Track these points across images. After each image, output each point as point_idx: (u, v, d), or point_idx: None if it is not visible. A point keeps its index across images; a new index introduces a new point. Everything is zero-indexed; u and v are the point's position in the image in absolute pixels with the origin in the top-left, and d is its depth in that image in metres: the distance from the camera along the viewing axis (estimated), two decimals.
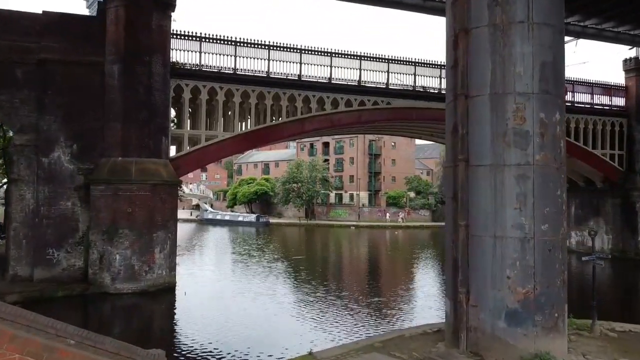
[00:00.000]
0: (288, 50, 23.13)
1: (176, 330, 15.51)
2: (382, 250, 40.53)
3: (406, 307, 17.83)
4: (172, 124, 23.21)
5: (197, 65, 21.64)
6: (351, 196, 71.57)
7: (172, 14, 20.39)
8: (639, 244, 30.13)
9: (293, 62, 23.25)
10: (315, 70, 23.66)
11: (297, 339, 13.76)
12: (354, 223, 61.89)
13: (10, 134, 22.30)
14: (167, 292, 19.24)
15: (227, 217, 65.44)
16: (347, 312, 16.71)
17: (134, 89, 19.38)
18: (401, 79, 25.10)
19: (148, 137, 19.59)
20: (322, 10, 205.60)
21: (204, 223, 64.41)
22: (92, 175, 19.22)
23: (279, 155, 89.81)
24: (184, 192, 44.99)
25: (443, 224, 53.77)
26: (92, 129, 19.57)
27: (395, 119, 25.49)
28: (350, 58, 24.26)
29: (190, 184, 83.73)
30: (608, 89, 31.21)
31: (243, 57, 22.37)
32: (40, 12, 19.55)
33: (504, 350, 9.96)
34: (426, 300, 18.88)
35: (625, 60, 31.43)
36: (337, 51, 24.00)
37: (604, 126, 30.71)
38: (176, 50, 21.24)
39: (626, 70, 31.46)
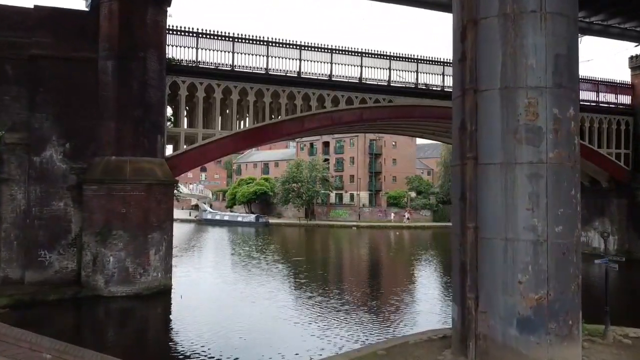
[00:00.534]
0: (287, 46, 22.56)
1: (171, 335, 14.94)
2: (384, 251, 39.94)
3: (409, 311, 17.23)
4: (169, 123, 22.66)
5: (193, 61, 21.06)
6: (351, 196, 71.01)
7: (168, 9, 19.80)
8: None
9: (292, 59, 22.68)
10: (315, 67, 23.12)
11: (297, 345, 13.20)
12: (355, 223, 61.28)
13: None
14: (162, 295, 18.66)
15: (226, 218, 64.88)
16: (348, 317, 16.12)
17: (128, 86, 18.81)
18: (403, 76, 24.52)
19: (143, 136, 19.01)
20: (321, 9, 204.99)
21: (203, 223, 63.87)
22: (85, 174, 18.65)
23: (279, 155, 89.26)
24: (181, 192, 44.40)
25: (444, 224, 53.79)
26: (86, 127, 18.99)
27: (397, 117, 24.91)
28: (352, 55, 23.69)
29: (191, 184, 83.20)
30: (614, 87, 30.62)
31: (241, 54, 21.80)
32: (32, 6, 18.96)
33: None
34: (430, 304, 18.30)
35: (631, 58, 30.84)
36: (337, 48, 23.41)
37: (609, 124, 30.13)
38: (172, 46, 20.66)
39: (632, 68, 30.87)
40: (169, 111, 23.54)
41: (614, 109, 30.47)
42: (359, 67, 23.78)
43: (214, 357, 12.21)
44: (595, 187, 31.77)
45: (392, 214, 63.07)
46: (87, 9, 20.37)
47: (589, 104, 29.70)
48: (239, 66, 21.77)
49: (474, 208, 10.11)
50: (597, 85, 30.21)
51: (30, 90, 18.61)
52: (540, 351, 9.36)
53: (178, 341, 14.10)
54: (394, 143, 72.09)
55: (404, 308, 17.80)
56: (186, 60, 20.95)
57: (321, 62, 23.16)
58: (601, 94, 30.32)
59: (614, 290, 21.36)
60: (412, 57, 24.78)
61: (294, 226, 62.14)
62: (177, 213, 78.02)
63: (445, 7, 24.16)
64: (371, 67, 24.00)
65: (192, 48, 21.02)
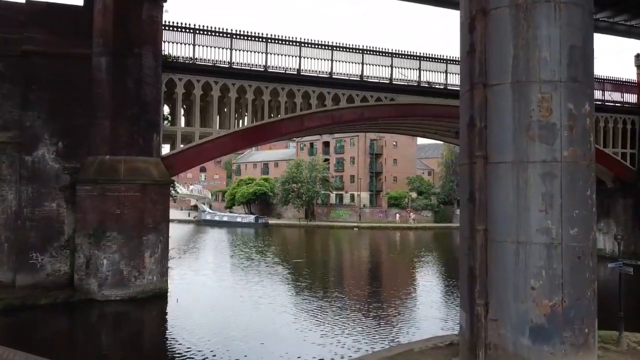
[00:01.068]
0: (287, 43, 22.01)
1: (167, 341, 14.39)
2: (386, 253, 39.33)
3: (413, 316, 16.65)
4: (165, 122, 22.12)
5: (190, 58, 20.52)
6: (352, 196, 70.44)
7: (164, 4, 19.27)
8: None
9: (292, 56, 22.13)
10: (315, 65, 22.57)
11: (297, 352, 12.66)
12: (356, 224, 60.71)
13: None
14: (158, 299, 18.13)
15: (225, 218, 64.34)
16: (350, 322, 15.57)
17: (123, 83, 18.28)
18: (405, 74, 23.97)
19: (138, 134, 18.48)
20: (320, 6, 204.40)
21: (202, 224, 63.35)
22: (78, 174, 18.12)
23: (279, 155, 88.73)
24: (178, 193, 43.76)
25: (445, 225, 53.35)
26: (79, 126, 18.48)
27: (399, 115, 24.36)
28: (353, 52, 23.13)
29: (190, 184, 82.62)
30: (619, 85, 30.07)
31: (239, 51, 21.25)
32: (24, 1, 18.42)
33: None
34: (434, 309, 17.70)
35: (637, 56, 30.29)
36: (338, 45, 22.88)
37: (615, 123, 29.59)
38: (168, 42, 20.14)
39: (638, 66, 30.32)
40: (166, 110, 23.01)
41: (620, 108, 29.92)
42: (360, 65, 23.23)
43: None
44: (600, 187, 30.99)
45: (397, 215, 62.48)
46: (81, 4, 19.82)
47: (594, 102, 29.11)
48: (237, 63, 21.22)
49: (483, 209, 9.54)
50: (603, 83, 29.66)
51: (22, 87, 18.10)
52: None
53: (174, 347, 13.55)
54: (394, 143, 71.53)
55: (408, 313, 17.25)
56: (183, 57, 20.41)
57: (321, 60, 22.63)
58: (606, 93, 29.78)
59: (625, 295, 20.81)
60: (415, 54, 24.24)
61: (294, 227, 61.57)
62: (176, 214, 77.77)
63: (446, 3, 23.63)
64: (373, 65, 23.45)
65: (189, 45, 20.48)
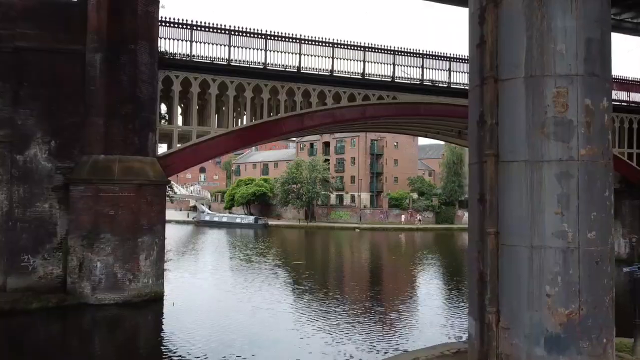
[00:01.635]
0: (286, 40, 21.46)
1: (163, 347, 13.83)
2: (389, 255, 38.70)
3: (417, 322, 16.06)
4: (163, 121, 21.60)
5: (187, 55, 19.97)
6: (352, 197, 69.92)
7: None
8: None
9: (292, 53, 21.58)
10: (315, 62, 22.01)
11: None
12: (358, 225, 60.16)
13: None
14: (153, 302, 17.59)
15: (224, 219, 63.84)
16: (352, 328, 15.00)
17: (117, 80, 17.75)
18: (408, 71, 23.43)
19: (133, 133, 17.94)
20: (321, 5, 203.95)
21: (201, 225, 62.82)
22: (71, 174, 17.57)
23: (278, 155, 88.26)
24: (175, 193, 43.25)
25: (447, 226, 52.83)
26: (73, 124, 17.95)
27: (401, 114, 23.83)
28: (354, 49, 22.58)
29: (191, 184, 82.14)
30: (626, 84, 29.53)
31: (238, 47, 20.70)
32: None
33: None
34: (440, 315, 17.07)
35: None
36: (339, 42, 22.32)
37: (621, 123, 29.05)
38: (165, 39, 19.60)
39: None
40: (163, 108, 22.49)
41: (626, 107, 29.37)
42: (362, 62, 22.68)
43: None
44: None
45: (403, 216, 61.94)
46: None
47: None
48: (236, 60, 20.68)
49: (494, 211, 8.97)
50: (609, 82, 29.04)
51: (14, 84, 17.53)
52: None
53: (170, 353, 13.01)
54: (395, 143, 71.05)
55: (412, 318, 16.64)
56: (180, 54, 19.87)
57: (322, 57, 22.08)
58: (613, 92, 29.20)
59: (628, 297, 20.31)
60: (417, 52, 23.70)
61: (294, 228, 61.05)
62: (175, 214, 77.37)
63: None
64: (374, 62, 22.90)
65: (186, 41, 19.93)
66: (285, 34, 21.37)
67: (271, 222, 64.03)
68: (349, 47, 22.45)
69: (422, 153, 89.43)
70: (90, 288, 16.94)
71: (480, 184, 9.64)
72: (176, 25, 19.76)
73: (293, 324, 15.73)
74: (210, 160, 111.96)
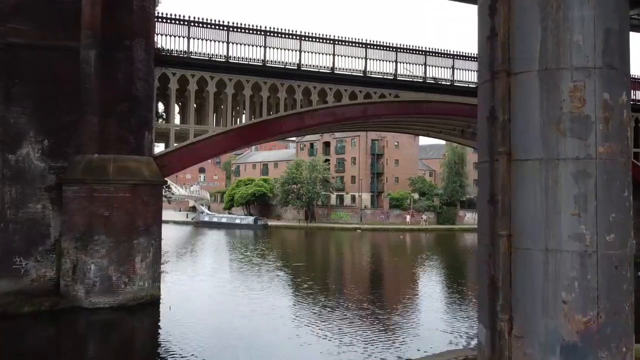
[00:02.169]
0: (286, 36, 20.96)
1: (158, 352, 13.36)
2: (392, 257, 38.07)
3: (423, 328, 15.49)
4: (161, 120, 21.10)
5: (185, 52, 19.47)
6: (353, 197, 69.41)
7: None
8: None
9: (292, 50, 21.07)
10: (316, 60, 21.50)
11: None
12: (359, 226, 59.66)
13: None
14: (149, 306, 17.11)
15: (223, 220, 63.32)
16: (354, 334, 14.48)
17: (112, 78, 17.26)
18: (410, 69, 22.92)
19: (129, 132, 17.45)
20: (321, 4, 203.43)
21: (200, 225, 62.32)
22: (64, 174, 17.06)
23: (278, 155, 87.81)
24: (173, 194, 42.71)
25: (449, 226, 52.25)
26: (67, 123, 17.46)
27: (404, 113, 23.33)
28: (355, 46, 22.08)
29: (190, 185, 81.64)
30: (634, 82, 29.03)
31: (236, 44, 20.19)
32: None
33: None
34: (445, 320, 16.50)
35: None
36: (340, 38, 21.81)
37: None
38: (161, 35, 19.11)
39: None
40: (161, 107, 22.00)
41: (633, 106, 28.89)
42: (363, 60, 22.18)
43: None
44: None
45: (408, 216, 61.45)
46: None
47: None
48: (234, 57, 20.17)
49: (507, 213, 8.46)
50: None
51: (6, 81, 17.04)
52: None
53: (165, 359, 12.50)
54: (396, 143, 70.58)
55: (416, 323, 16.06)
56: (177, 51, 19.37)
57: (323, 54, 21.56)
58: None
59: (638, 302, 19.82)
60: (420, 49, 23.19)
61: (294, 228, 60.54)
62: (174, 215, 76.83)
63: None
64: (376, 60, 22.39)
65: (183, 37, 19.44)
66: (285, 30, 20.86)
67: (271, 222, 63.52)
68: (350, 44, 21.95)
69: (423, 153, 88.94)
70: (84, 291, 16.45)
71: (491, 183, 9.13)
72: (173, 21, 19.27)
73: (293, 329, 15.23)
74: (209, 161, 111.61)
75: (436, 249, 41.51)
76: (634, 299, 8.35)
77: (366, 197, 68.58)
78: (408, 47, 22.94)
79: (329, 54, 21.58)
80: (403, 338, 14.18)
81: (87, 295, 16.41)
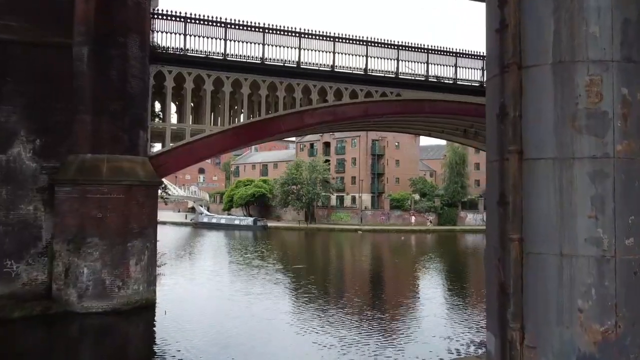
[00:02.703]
0: (285, 34, 20.45)
1: (153, 359, 12.84)
2: (395, 259, 37.45)
3: (427, 334, 14.91)
4: (157, 119, 20.61)
5: (181, 49, 18.98)
6: (353, 198, 68.91)
7: None
8: None
9: (291, 48, 20.56)
10: (316, 57, 20.99)
11: None
12: (360, 227, 59.15)
13: None
14: (144, 310, 16.61)
15: (222, 221, 62.88)
16: (357, 341, 13.94)
17: (106, 75, 16.78)
18: (412, 67, 22.41)
19: (123, 131, 16.96)
20: (320, 3, 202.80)
21: (199, 227, 61.88)
22: (56, 174, 16.56)
23: (278, 156, 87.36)
24: (169, 194, 42.20)
25: (450, 227, 51.56)
26: (59, 122, 16.96)
27: (405, 112, 22.82)
28: (356, 44, 21.57)
29: (190, 185, 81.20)
30: None
31: (234, 41, 19.68)
32: None
33: None
34: (450, 326, 15.89)
35: None
36: (340, 36, 21.32)
37: None
38: (157, 32, 18.62)
39: None
40: (158, 106, 21.52)
41: None
42: (364, 58, 21.68)
43: None
44: None
45: (413, 217, 61.00)
46: None
47: None
48: (232, 55, 19.67)
49: (518, 215, 7.93)
50: None
51: None
52: None
53: None
54: (396, 143, 70.11)
55: (421, 330, 15.37)
56: (173, 48, 18.88)
57: (323, 52, 21.05)
58: None
59: None
60: (422, 46, 22.69)
61: (294, 230, 60.06)
62: (173, 216, 76.37)
63: None
64: (378, 58, 21.89)
65: (180, 34, 18.94)
66: (284, 27, 20.38)
67: (270, 223, 63.03)
68: (351, 41, 21.45)
69: (424, 154, 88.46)
70: (76, 295, 15.95)
71: (501, 184, 8.62)
72: (169, 18, 18.78)
73: (293, 335, 14.75)
74: (209, 161, 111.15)
75: (439, 251, 40.99)
76: None
77: (366, 197, 68.09)
78: (410, 44, 22.45)
79: (329, 52, 21.08)
80: (406, 345, 13.66)
81: (80, 299, 15.91)
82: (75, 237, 16.03)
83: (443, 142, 65.81)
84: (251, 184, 73.18)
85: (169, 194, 41.54)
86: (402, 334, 14.88)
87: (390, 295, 22.30)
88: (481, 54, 23.42)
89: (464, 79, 23.21)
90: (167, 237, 47.35)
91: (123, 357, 13.56)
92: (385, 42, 22.01)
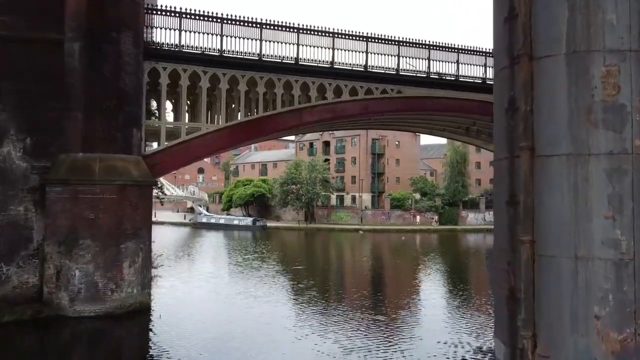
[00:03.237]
0: (283, 29, 19.95)
1: None
2: (395, 260, 36.82)
3: (431, 340, 14.27)
4: (153, 117, 20.12)
5: (176, 45, 18.47)
6: (353, 198, 68.46)
7: None
8: None
9: (289, 44, 20.04)
10: (315, 54, 20.45)
11: None
12: (361, 227, 58.69)
13: None
14: (138, 314, 16.11)
15: (221, 221, 62.49)
16: (359, 348, 13.40)
17: (98, 72, 16.28)
18: (413, 64, 21.91)
19: (116, 129, 16.46)
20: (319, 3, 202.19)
21: (198, 227, 61.48)
22: (47, 174, 16.06)
23: (278, 155, 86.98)
24: (165, 194, 41.69)
25: (451, 227, 50.65)
26: (51, 120, 16.45)
27: (407, 109, 22.32)
28: (356, 39, 21.06)
29: (190, 185, 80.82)
30: None
31: (231, 37, 19.16)
32: None
33: None
34: (456, 332, 15.22)
35: None
36: (340, 32, 20.81)
37: None
38: (151, 27, 18.13)
39: None
40: (154, 105, 21.02)
41: None
42: (364, 54, 21.17)
43: None
44: None
45: (418, 217, 60.59)
46: None
47: None
48: (229, 51, 19.15)
49: (529, 215, 7.48)
50: None
51: None
52: None
53: None
54: (397, 142, 69.67)
55: (426, 337, 14.66)
56: (167, 44, 18.37)
57: (322, 48, 20.52)
58: None
59: None
60: (424, 42, 22.19)
61: (293, 230, 59.61)
62: (171, 216, 75.99)
63: None
64: (378, 54, 21.37)
65: (175, 30, 18.42)
66: (282, 22, 19.86)
67: (270, 223, 62.58)
68: (350, 37, 20.94)
69: (424, 153, 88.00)
70: (68, 299, 15.45)
71: (511, 182, 8.16)
72: (164, 13, 18.28)
73: (292, 340, 14.24)
74: (208, 161, 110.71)
75: (441, 252, 40.47)
76: None
77: (367, 197, 67.62)
78: (411, 40, 21.95)
79: (328, 48, 20.57)
80: (409, 353, 13.13)
81: (72, 303, 15.41)
82: (66, 239, 15.54)
83: (444, 141, 65.41)
84: (250, 183, 72.76)
85: (165, 194, 41.04)
86: (405, 340, 14.33)
87: (393, 298, 21.65)
88: (484, 49, 22.94)
89: (467, 76, 22.72)
90: (165, 237, 46.92)
91: None
92: (386, 37, 21.51)
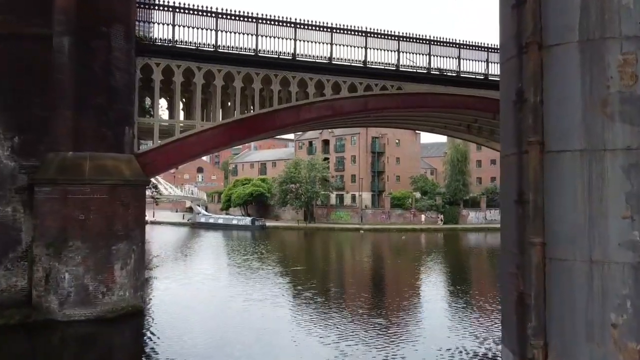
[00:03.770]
0: (280, 24, 19.45)
1: None
2: (396, 261, 36.18)
3: (437, 346, 13.70)
4: (148, 115, 19.62)
5: (169, 40, 17.97)
6: (353, 197, 67.94)
7: None
8: None
9: (286, 39, 19.56)
10: (313, 49, 19.98)
11: None
12: (362, 226, 58.20)
13: None
14: (131, 318, 15.66)
15: (220, 221, 62.01)
16: (361, 352, 12.87)
17: (88, 68, 15.79)
18: (414, 59, 21.39)
19: (107, 127, 15.98)
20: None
21: (197, 227, 61.00)
22: (36, 174, 15.57)
23: (277, 155, 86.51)
24: (160, 194, 41.15)
25: (452, 226, 50.06)
26: (39, 118, 15.99)
27: (407, 106, 21.82)
28: (355, 34, 20.56)
29: (189, 185, 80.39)
30: None
31: (226, 32, 18.68)
32: None
33: None
34: (460, 338, 14.65)
35: None
36: (338, 26, 20.31)
37: None
38: (143, 22, 17.63)
39: None
40: (148, 102, 20.52)
41: None
42: (364, 49, 20.66)
43: None
44: None
45: (423, 216, 60.10)
46: None
47: None
48: (224, 47, 18.65)
49: (540, 215, 6.94)
50: None
51: None
52: None
53: None
54: (397, 141, 69.16)
55: (430, 342, 14.03)
56: (160, 39, 17.87)
57: (320, 43, 20.05)
58: None
59: None
60: (424, 37, 21.68)
61: (293, 229, 59.13)
62: (170, 216, 75.55)
63: None
64: (377, 49, 20.88)
65: (168, 25, 17.94)
66: (279, 17, 19.36)
67: (269, 223, 62.12)
68: (349, 32, 20.44)
69: (424, 151, 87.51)
70: (57, 302, 14.97)
71: (519, 180, 7.60)
72: (156, 7, 17.81)
73: (290, 344, 13.76)
74: (208, 160, 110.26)
75: (443, 251, 39.95)
76: None
77: (367, 196, 67.10)
78: (411, 35, 21.44)
79: (327, 43, 20.08)
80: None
81: (61, 306, 14.93)
82: (55, 241, 15.05)
83: (444, 139, 64.88)
84: (249, 183, 72.29)
85: (162, 194, 40.60)
86: (407, 345, 13.80)
87: (394, 301, 21.00)
88: (485, 45, 22.44)
89: (468, 72, 22.22)
90: (163, 237, 46.50)
91: None
92: (385, 33, 21.01)
